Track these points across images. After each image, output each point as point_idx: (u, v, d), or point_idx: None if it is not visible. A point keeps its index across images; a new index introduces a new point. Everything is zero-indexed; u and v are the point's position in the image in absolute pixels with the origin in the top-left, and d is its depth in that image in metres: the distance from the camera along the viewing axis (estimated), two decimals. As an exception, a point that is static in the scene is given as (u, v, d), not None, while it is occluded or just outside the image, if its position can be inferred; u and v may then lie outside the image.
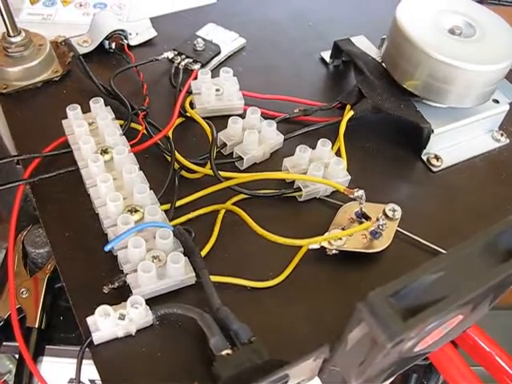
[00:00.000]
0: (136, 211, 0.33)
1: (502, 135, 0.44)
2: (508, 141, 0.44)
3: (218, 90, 0.41)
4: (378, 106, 0.41)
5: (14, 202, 0.34)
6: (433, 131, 0.40)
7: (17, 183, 0.34)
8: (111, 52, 0.44)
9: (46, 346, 0.36)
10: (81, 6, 0.48)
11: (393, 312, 0.24)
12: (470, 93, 0.40)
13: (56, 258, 0.33)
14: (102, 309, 0.29)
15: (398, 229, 0.36)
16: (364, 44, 0.45)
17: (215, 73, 0.43)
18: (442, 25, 0.40)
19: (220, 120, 0.40)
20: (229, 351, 0.28)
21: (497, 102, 0.43)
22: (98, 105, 0.37)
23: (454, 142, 0.42)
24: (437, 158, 0.41)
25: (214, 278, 0.32)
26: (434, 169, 0.41)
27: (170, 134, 0.38)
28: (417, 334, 0.24)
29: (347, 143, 0.40)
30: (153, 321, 0.30)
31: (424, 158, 0.42)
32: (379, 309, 0.24)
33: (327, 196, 0.38)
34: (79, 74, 0.42)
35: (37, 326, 0.35)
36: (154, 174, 0.37)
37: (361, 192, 0.35)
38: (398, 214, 0.35)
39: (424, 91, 0.40)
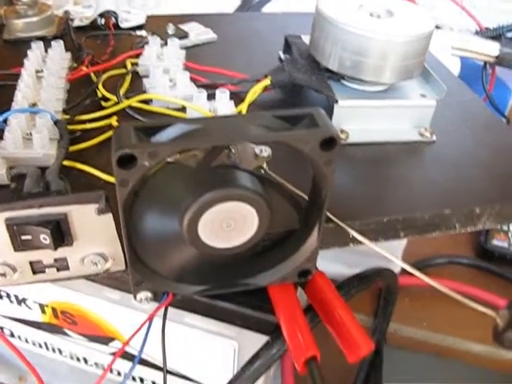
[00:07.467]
0: (36, 105, 0.40)
1: (426, 130, 0.44)
2: (434, 138, 0.43)
3: (162, 54, 0.47)
4: (292, 77, 0.44)
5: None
6: (337, 101, 0.42)
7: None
8: (101, 28, 0.54)
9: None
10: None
11: (133, 134, 0.27)
12: (384, 66, 0.41)
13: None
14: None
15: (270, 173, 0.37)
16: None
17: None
18: (360, 9, 0.43)
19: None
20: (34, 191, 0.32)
21: (424, 96, 0.44)
22: (57, 44, 0.46)
23: (368, 125, 0.43)
24: (342, 132, 0.42)
25: (70, 163, 0.37)
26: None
27: (105, 76, 0.45)
28: (152, 159, 0.26)
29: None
30: (7, 179, 0.35)
31: (331, 131, 0.43)
32: (121, 132, 0.27)
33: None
34: (69, 38, 0.52)
35: None
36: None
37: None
38: (266, 154, 0.37)
39: (340, 67, 0.42)
